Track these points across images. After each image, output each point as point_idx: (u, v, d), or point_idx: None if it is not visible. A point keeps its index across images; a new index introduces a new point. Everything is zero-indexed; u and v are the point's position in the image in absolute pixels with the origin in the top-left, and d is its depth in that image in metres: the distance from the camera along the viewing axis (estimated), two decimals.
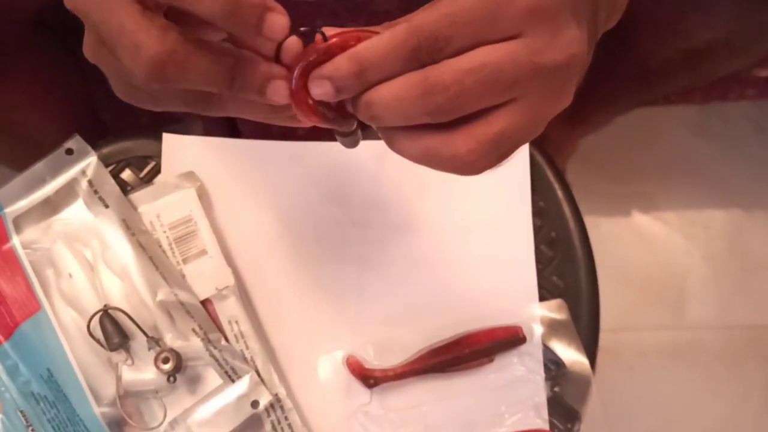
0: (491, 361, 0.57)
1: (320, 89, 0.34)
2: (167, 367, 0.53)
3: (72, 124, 0.79)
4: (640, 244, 1.20)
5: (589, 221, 0.62)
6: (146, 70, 0.32)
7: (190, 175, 0.59)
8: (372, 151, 0.60)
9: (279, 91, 0.35)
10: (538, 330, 0.58)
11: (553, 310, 0.58)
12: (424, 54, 0.32)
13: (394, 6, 0.78)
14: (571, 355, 0.57)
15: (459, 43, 0.33)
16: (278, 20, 0.32)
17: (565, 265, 0.60)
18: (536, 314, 0.58)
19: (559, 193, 0.62)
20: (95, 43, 0.36)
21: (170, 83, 0.33)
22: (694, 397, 1.13)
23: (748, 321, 1.17)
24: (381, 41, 0.33)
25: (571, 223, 0.61)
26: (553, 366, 0.57)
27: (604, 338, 0.60)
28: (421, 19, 0.32)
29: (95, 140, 0.60)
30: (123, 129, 0.93)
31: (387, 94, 0.33)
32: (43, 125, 0.75)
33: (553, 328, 0.58)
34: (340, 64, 0.33)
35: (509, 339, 0.57)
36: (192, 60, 0.32)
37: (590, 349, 0.59)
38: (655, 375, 1.14)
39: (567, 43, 0.34)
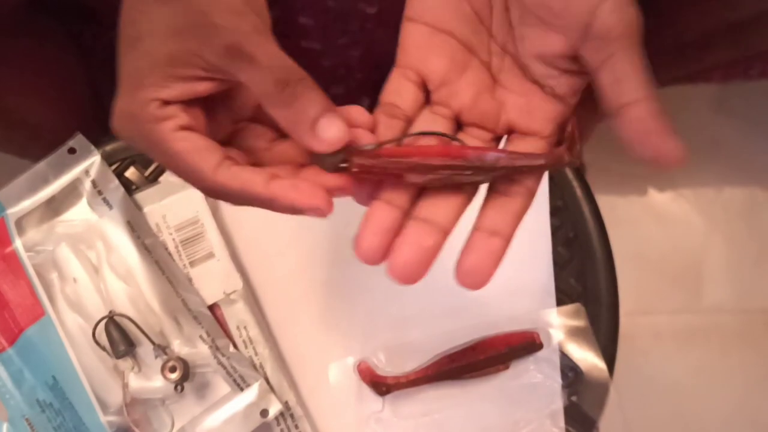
0: (507, 367, 0.55)
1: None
2: (174, 376, 0.52)
3: (72, 110, 0.77)
4: (657, 225, 1.17)
5: (606, 201, 0.60)
6: (206, 194, 0.36)
7: None
8: None
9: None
10: (556, 336, 0.56)
11: (571, 315, 0.56)
12: None
13: None
14: (589, 361, 0.56)
15: None
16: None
17: (583, 267, 0.58)
18: (553, 320, 0.56)
19: (578, 192, 0.59)
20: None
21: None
22: (710, 382, 1.12)
23: (766, 304, 1.15)
24: None
25: (590, 223, 0.59)
26: (571, 373, 0.56)
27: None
28: None
29: (98, 129, 0.58)
30: None
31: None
32: (40, 111, 0.73)
33: (570, 333, 0.56)
34: None
35: (525, 345, 0.55)
36: (245, 194, 0.35)
37: (609, 353, 0.57)
38: (670, 359, 1.12)
39: None
